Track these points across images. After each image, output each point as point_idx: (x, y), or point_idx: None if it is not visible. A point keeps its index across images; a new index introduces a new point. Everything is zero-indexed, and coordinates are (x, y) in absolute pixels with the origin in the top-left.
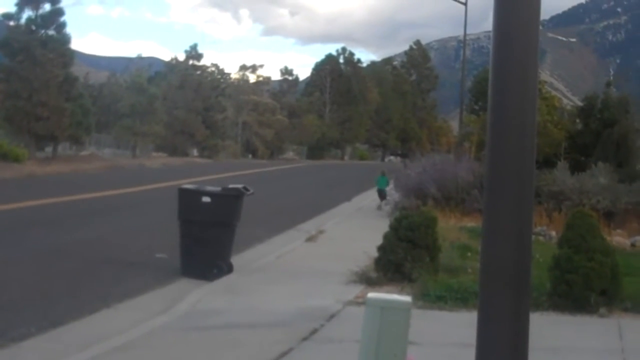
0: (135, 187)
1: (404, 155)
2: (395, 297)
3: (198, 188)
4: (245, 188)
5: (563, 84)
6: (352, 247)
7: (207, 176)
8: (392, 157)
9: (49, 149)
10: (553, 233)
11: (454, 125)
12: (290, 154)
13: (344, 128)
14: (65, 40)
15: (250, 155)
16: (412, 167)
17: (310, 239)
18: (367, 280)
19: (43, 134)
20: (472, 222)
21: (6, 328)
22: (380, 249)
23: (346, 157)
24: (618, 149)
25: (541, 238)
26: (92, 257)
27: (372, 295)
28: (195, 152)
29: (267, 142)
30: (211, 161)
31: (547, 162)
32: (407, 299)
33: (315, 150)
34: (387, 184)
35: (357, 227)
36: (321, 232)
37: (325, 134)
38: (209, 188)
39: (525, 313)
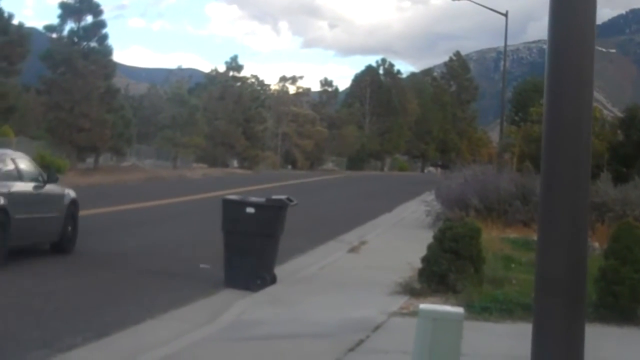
0: (177, 198)
1: (444, 167)
2: (448, 308)
3: (242, 199)
4: (288, 199)
5: (603, 95)
6: (395, 258)
7: (247, 187)
8: (431, 168)
9: (90, 160)
10: (596, 244)
11: (493, 136)
12: (329, 165)
13: (384, 139)
14: (107, 52)
15: (289, 166)
16: (453, 178)
17: (352, 250)
18: (411, 291)
19: (85, 145)
20: (515, 234)
21: (52, 338)
22: (424, 260)
23: (385, 168)
24: None
25: None
26: (135, 268)
27: (424, 306)
28: (235, 163)
29: (307, 153)
30: (251, 172)
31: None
32: (459, 310)
33: (355, 161)
34: None
35: (399, 238)
36: (363, 243)
37: (365, 145)
38: (253, 199)
39: (581, 325)
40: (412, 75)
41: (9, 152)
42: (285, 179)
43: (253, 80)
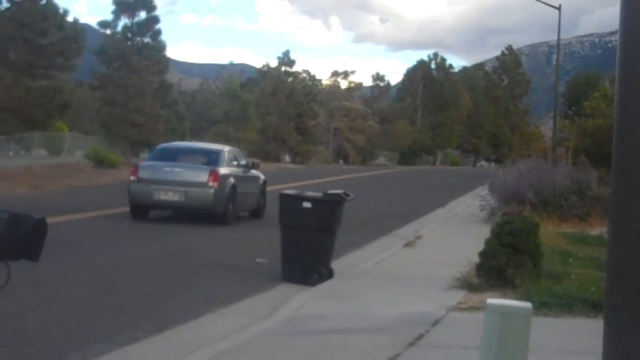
0: None
1: (498, 161)
2: (516, 302)
3: (299, 193)
4: (345, 194)
5: None
6: (451, 252)
7: (301, 182)
8: (483, 163)
9: (143, 155)
10: None
11: (546, 130)
12: (381, 160)
13: (436, 134)
14: (160, 47)
15: (341, 161)
16: (507, 172)
17: (408, 244)
18: (468, 285)
19: (139, 140)
20: (571, 228)
21: (114, 332)
22: (482, 254)
23: (437, 163)
24: None
25: None
26: (193, 262)
27: (492, 300)
28: (287, 157)
29: (359, 147)
30: (303, 167)
31: None
32: (527, 304)
33: (407, 156)
34: None
35: (455, 232)
36: (418, 237)
37: (417, 140)
38: (310, 193)
39: None
40: (464, 69)
41: (232, 148)
42: (338, 173)
43: (305, 75)
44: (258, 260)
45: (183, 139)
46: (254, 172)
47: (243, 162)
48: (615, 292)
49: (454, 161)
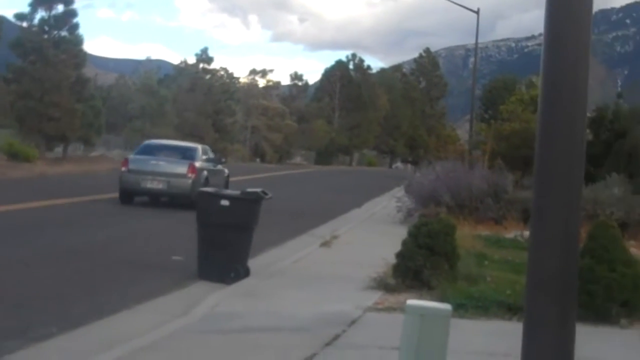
0: None
1: (414, 163)
2: (435, 304)
3: (217, 191)
4: (263, 192)
5: None
6: (368, 253)
7: None
8: (399, 164)
9: (58, 150)
10: None
11: (461, 133)
12: (298, 159)
13: (353, 134)
14: (77, 41)
15: (258, 160)
16: (424, 174)
17: (324, 244)
18: (385, 286)
19: (54, 135)
20: (487, 231)
21: (27, 328)
22: (399, 255)
23: (354, 163)
24: (630, 160)
25: None
26: (108, 259)
27: (411, 302)
28: None
29: (276, 146)
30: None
31: None
32: (447, 306)
33: (324, 156)
34: None
35: (371, 233)
36: (335, 237)
37: (334, 140)
38: (228, 191)
39: (572, 323)
40: (382, 71)
41: (204, 146)
42: (255, 172)
43: (223, 73)
44: (174, 257)
45: (99, 134)
46: (219, 166)
47: (212, 158)
48: (535, 295)
49: (370, 162)
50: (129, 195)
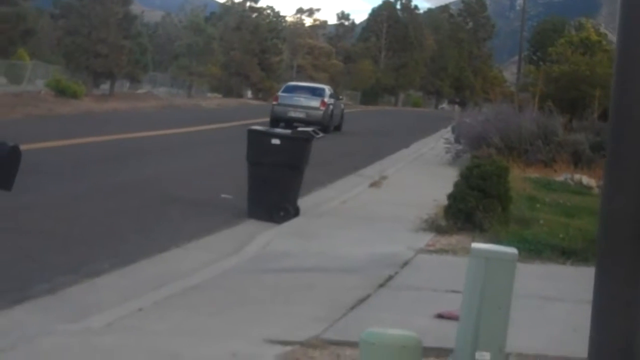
0: (194, 127)
1: (461, 104)
2: (501, 247)
3: (268, 130)
4: (314, 131)
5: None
6: (417, 194)
7: (263, 118)
8: (445, 105)
9: (104, 87)
10: None
11: (507, 75)
12: (343, 99)
13: (399, 74)
14: None
15: None
16: (472, 116)
17: (374, 184)
18: (436, 228)
19: (101, 71)
20: (536, 173)
21: (79, 263)
22: (451, 197)
23: (399, 104)
24: None
25: None
26: (156, 196)
27: (476, 245)
28: (249, 93)
29: None
30: (265, 103)
31: (607, 116)
32: (513, 250)
33: (369, 96)
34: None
35: (420, 174)
36: (384, 177)
37: (380, 80)
38: (279, 130)
39: None
40: (429, 11)
41: (329, 87)
42: None
43: (269, 11)
44: (223, 195)
45: (146, 71)
46: (339, 103)
47: (333, 95)
48: (607, 239)
49: (416, 102)
50: (278, 121)
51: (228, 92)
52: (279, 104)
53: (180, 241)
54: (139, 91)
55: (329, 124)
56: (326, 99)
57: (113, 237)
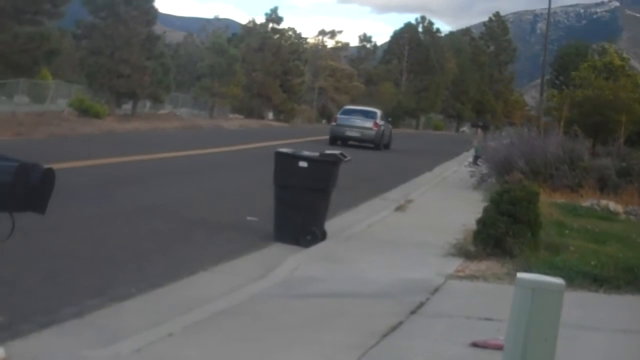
0: (216, 148)
1: (484, 127)
2: (548, 278)
3: (295, 152)
4: (342, 154)
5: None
6: (444, 218)
7: (286, 140)
8: (465, 129)
9: (126, 107)
10: None
11: (528, 99)
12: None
13: (420, 97)
14: None
15: (324, 121)
16: (497, 140)
17: (399, 208)
18: (465, 253)
19: (124, 91)
20: (562, 198)
21: (106, 287)
22: (480, 222)
23: (420, 127)
24: None
25: (632, 218)
26: (182, 218)
27: (522, 275)
28: (270, 115)
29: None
30: (287, 125)
31: (631, 141)
32: (560, 280)
33: (391, 118)
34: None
35: (445, 197)
36: (409, 201)
37: (401, 103)
38: (306, 153)
39: None
40: (451, 34)
41: (380, 111)
42: (322, 133)
43: (291, 33)
44: (249, 218)
45: (169, 91)
46: (388, 124)
47: (384, 117)
48: None
49: (437, 126)
50: (336, 139)
51: (249, 113)
52: (337, 125)
53: (207, 264)
54: (161, 112)
55: (380, 142)
56: (378, 121)
57: (139, 260)
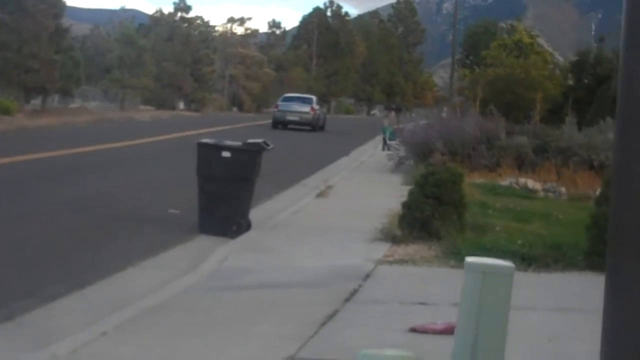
0: (131, 140)
1: (398, 110)
2: (497, 261)
3: (217, 142)
4: (265, 143)
5: (544, 39)
6: (366, 203)
7: (200, 130)
8: (376, 112)
9: (35, 102)
10: (563, 189)
11: (437, 79)
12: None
13: (331, 82)
14: None
15: (235, 109)
16: (413, 122)
17: (320, 194)
18: (392, 238)
19: (33, 86)
20: (481, 178)
21: (35, 287)
22: (405, 205)
23: (331, 111)
24: (614, 104)
25: (551, 195)
26: (102, 213)
27: (471, 259)
28: (182, 105)
29: (254, 95)
30: (199, 114)
31: (546, 119)
32: (509, 264)
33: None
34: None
35: (365, 182)
36: (330, 187)
37: (312, 88)
38: (229, 142)
39: None
40: (360, 17)
41: (315, 97)
42: (235, 121)
43: (199, 22)
44: (170, 211)
45: (78, 85)
46: (322, 108)
47: (318, 102)
48: (618, 250)
49: (348, 110)
50: (278, 123)
51: (160, 104)
52: (279, 110)
53: (133, 260)
54: (72, 106)
55: (316, 125)
56: (314, 106)
57: (65, 258)
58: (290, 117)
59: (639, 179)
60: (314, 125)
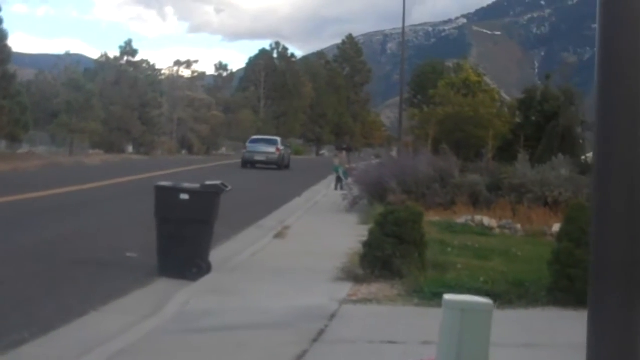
0: (82, 185)
1: (349, 150)
2: (476, 298)
3: (175, 185)
4: (223, 184)
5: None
6: (324, 242)
7: (151, 173)
8: (324, 152)
9: None
10: (518, 226)
11: (384, 119)
12: (224, 150)
13: (279, 123)
14: (2, 36)
15: (184, 151)
16: (364, 161)
17: (278, 235)
18: (354, 277)
19: None
20: (437, 216)
21: None
22: (366, 244)
23: None
24: (563, 140)
25: (507, 231)
26: (60, 258)
27: (449, 297)
28: (130, 148)
29: (203, 137)
30: (148, 158)
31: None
32: (488, 300)
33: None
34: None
35: (321, 222)
36: (286, 228)
37: (261, 129)
38: (187, 185)
39: (638, 313)
40: (306, 58)
41: (281, 138)
42: (184, 164)
43: (145, 65)
44: (128, 254)
45: (26, 130)
46: (287, 148)
47: (284, 142)
48: (599, 285)
49: (297, 150)
50: (247, 163)
51: (109, 147)
52: (247, 151)
53: (95, 304)
54: (20, 151)
55: (282, 164)
56: (279, 146)
57: (26, 304)
58: (257, 157)
59: (618, 216)
60: (279, 164)
